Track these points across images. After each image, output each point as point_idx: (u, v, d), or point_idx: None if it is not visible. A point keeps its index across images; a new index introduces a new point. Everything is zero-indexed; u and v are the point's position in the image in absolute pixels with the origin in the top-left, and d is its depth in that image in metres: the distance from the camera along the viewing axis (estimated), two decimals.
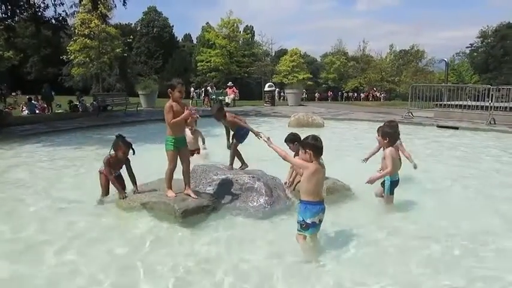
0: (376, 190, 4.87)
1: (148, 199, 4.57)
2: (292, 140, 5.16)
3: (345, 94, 54.89)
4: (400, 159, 5.10)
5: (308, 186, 3.43)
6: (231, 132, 5.76)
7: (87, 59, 39.67)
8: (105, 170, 4.75)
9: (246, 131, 5.54)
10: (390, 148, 4.59)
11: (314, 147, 3.38)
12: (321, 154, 3.47)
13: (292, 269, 3.28)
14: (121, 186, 4.83)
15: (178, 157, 4.50)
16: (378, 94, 49.35)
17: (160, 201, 4.46)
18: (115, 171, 4.84)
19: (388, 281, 3.12)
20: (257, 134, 5.19)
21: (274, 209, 4.58)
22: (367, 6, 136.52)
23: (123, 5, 17.80)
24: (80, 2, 20.76)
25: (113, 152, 4.75)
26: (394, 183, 4.66)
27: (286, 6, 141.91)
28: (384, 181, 4.69)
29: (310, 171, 3.39)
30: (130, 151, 4.75)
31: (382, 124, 5.17)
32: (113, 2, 18.56)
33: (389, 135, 4.62)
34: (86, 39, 37.44)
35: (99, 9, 21.72)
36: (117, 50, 40.88)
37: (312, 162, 3.41)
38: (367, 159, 5.84)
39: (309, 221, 3.43)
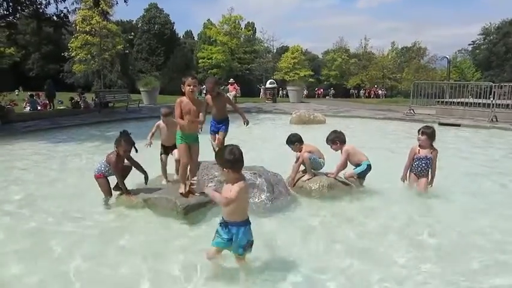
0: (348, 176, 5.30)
1: (150, 195, 4.60)
2: (293, 141, 5.23)
3: (332, 91, 52.95)
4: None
5: (245, 205, 3.17)
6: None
7: (89, 55, 39.82)
8: (114, 169, 4.64)
9: (228, 121, 5.54)
10: (345, 147, 5.25)
11: (230, 163, 2.94)
12: (242, 166, 3.04)
13: (293, 264, 3.29)
14: (110, 189, 4.87)
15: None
16: (379, 91, 49.12)
17: (162, 197, 4.48)
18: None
19: (394, 273, 3.14)
20: (247, 122, 5.61)
21: (276, 205, 4.60)
22: (368, 4, 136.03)
23: (125, 1, 17.91)
24: None
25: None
26: (368, 168, 5.20)
27: (287, 3, 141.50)
28: (360, 165, 5.23)
29: (245, 189, 3.07)
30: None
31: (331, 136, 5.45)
32: None
33: (336, 138, 5.30)
34: (87, 36, 37.56)
35: (101, 6, 21.77)
36: (119, 47, 40.98)
37: (240, 179, 3.00)
38: (404, 178, 5.28)
39: (252, 239, 3.16)
